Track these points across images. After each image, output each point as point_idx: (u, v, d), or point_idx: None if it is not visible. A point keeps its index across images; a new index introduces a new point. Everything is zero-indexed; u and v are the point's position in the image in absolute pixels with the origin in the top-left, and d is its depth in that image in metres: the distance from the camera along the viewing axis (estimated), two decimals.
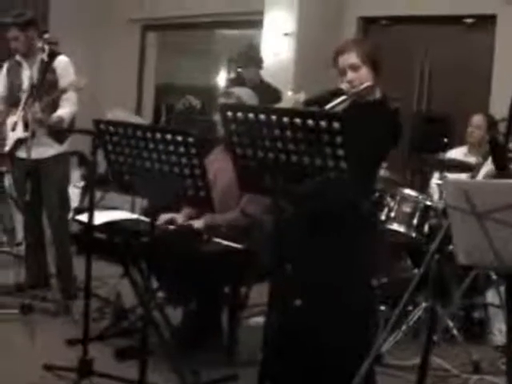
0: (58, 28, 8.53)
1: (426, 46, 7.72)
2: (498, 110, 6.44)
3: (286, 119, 2.78)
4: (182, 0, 9.36)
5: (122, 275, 4.56)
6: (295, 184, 2.89)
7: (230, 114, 2.95)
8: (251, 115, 2.89)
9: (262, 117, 2.85)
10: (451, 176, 5.29)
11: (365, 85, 3.45)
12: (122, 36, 10.15)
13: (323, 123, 2.69)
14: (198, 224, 4.15)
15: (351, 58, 3.47)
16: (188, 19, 9.60)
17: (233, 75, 8.56)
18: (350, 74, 3.48)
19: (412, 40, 7.80)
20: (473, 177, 3.03)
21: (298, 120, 2.75)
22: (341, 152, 2.71)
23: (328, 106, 3.32)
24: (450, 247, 2.85)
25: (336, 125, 2.66)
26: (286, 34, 7.88)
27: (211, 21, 9.56)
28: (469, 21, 7.51)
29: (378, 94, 3.59)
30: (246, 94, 4.50)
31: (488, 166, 4.87)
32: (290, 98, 5.78)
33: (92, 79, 9.10)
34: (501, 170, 2.83)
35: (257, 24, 8.39)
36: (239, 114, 2.91)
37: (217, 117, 4.40)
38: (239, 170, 3.09)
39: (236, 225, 4.24)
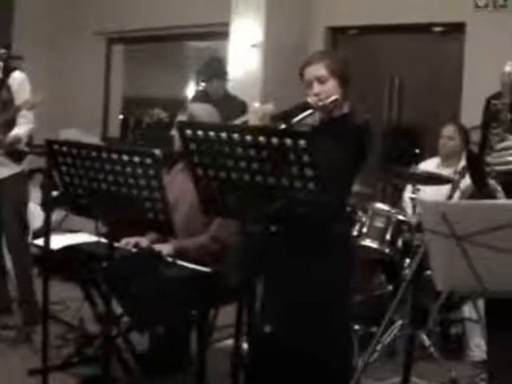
0: (21, 41, 8.35)
1: (396, 55, 7.62)
2: (469, 118, 6.35)
3: (249, 137, 2.61)
4: (148, 12, 9.21)
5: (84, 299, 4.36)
6: (261, 206, 2.71)
7: (189, 132, 2.77)
8: (212, 133, 2.71)
9: (224, 135, 2.68)
10: (424, 189, 5.16)
11: (332, 98, 3.32)
12: (87, 49, 10.01)
13: (288, 141, 2.52)
14: (166, 249, 3.97)
15: (318, 70, 3.34)
16: (154, 31, 9.46)
17: (199, 88, 8.43)
18: (317, 87, 3.35)
19: (381, 50, 7.69)
20: (450, 196, 2.89)
21: (261, 138, 2.57)
22: (309, 172, 2.54)
23: (294, 121, 3.18)
24: (428, 272, 2.71)
25: (302, 143, 2.49)
26: (253, 45, 7.75)
27: (178, 33, 9.43)
28: (438, 29, 7.42)
29: (345, 108, 3.45)
30: (201, 111, 4.29)
31: (465, 182, 4.76)
32: (256, 109, 5.64)
33: (58, 93, 8.97)
34: (479, 187, 2.68)
35: (224, 35, 8.26)
36: (199, 133, 2.74)
37: (173, 132, 4.24)
38: (201, 191, 2.91)
39: (206, 250, 4.07)
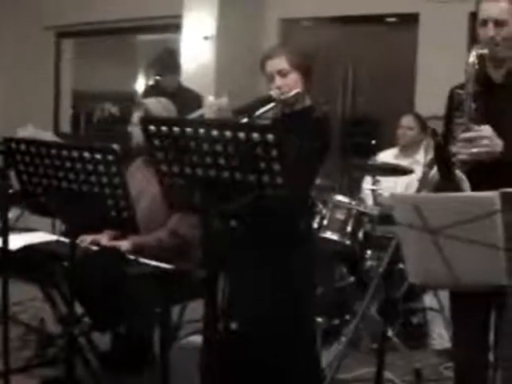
0: None
1: (350, 46, 7.62)
2: (423, 108, 6.38)
3: (215, 132, 2.55)
4: (98, 6, 9.07)
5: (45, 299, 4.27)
6: (227, 201, 2.66)
7: (152, 128, 2.71)
8: (176, 129, 2.65)
9: (189, 130, 2.62)
10: (384, 180, 5.17)
11: (294, 91, 3.29)
12: (37, 43, 9.85)
13: (256, 136, 2.48)
14: (124, 245, 3.90)
15: (280, 63, 3.30)
16: (105, 25, 9.33)
17: (151, 82, 8.33)
18: (279, 80, 3.31)
19: (335, 41, 7.67)
20: (419, 190, 2.88)
21: (228, 133, 2.52)
22: (276, 166, 2.49)
23: (257, 114, 3.14)
24: (400, 266, 2.71)
25: (270, 137, 2.45)
26: (205, 38, 7.69)
27: (128, 26, 9.31)
28: (392, 20, 7.44)
29: (307, 101, 3.42)
30: (157, 105, 4.21)
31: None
32: (211, 103, 5.60)
33: (7, 88, 8.81)
34: (446, 178, 2.68)
35: (176, 28, 8.18)
36: (163, 128, 2.68)
37: (131, 128, 4.16)
38: (166, 188, 2.85)
39: (165, 245, 4.00)
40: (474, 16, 6.59)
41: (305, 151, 3.06)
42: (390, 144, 5.97)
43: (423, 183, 2.87)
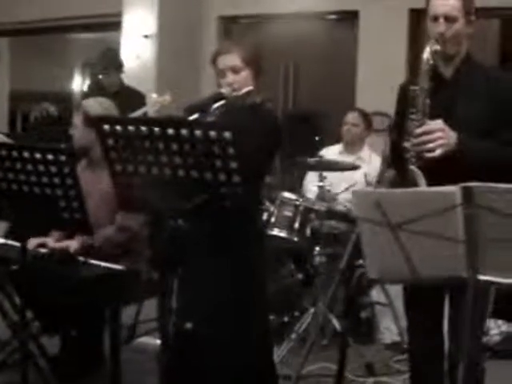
0: None
1: (290, 44, 7.64)
2: (365, 105, 6.44)
3: (171, 131, 2.53)
4: (35, 4, 8.91)
5: None
6: (183, 200, 2.64)
7: (107, 127, 2.67)
8: (131, 128, 2.62)
9: (144, 129, 2.59)
10: (329, 176, 5.20)
11: (246, 89, 3.27)
12: None
13: (212, 134, 2.47)
14: (73, 246, 3.84)
15: (233, 59, 3.28)
16: (42, 23, 9.17)
17: (89, 81, 8.21)
18: (231, 77, 3.29)
19: (275, 38, 7.69)
20: (376, 187, 2.91)
21: (184, 131, 2.51)
22: (233, 165, 2.49)
23: (208, 111, 3.12)
24: (360, 261, 2.72)
25: (227, 135, 2.44)
26: (146, 36, 7.64)
27: (66, 24, 9.18)
28: (332, 17, 7.49)
29: (257, 99, 3.41)
30: (96, 106, 4.15)
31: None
32: (155, 100, 5.57)
33: None
34: (403, 175, 2.71)
35: (114, 26, 8.10)
36: (118, 128, 2.65)
37: (73, 130, 4.11)
38: (119, 187, 2.82)
39: (113, 241, 3.96)
40: (413, 13, 6.76)
41: (259, 148, 3.05)
42: (334, 140, 5.99)
43: (380, 180, 2.90)
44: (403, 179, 2.74)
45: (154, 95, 5.58)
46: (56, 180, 2.92)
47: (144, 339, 4.37)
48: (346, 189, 5.06)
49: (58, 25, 9.19)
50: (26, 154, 2.92)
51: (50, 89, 10.47)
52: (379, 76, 6.79)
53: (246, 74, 3.29)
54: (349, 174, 5.28)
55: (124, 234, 3.97)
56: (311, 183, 5.58)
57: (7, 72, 10.12)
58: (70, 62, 11.06)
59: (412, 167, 2.77)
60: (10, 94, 10.19)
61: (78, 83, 11.10)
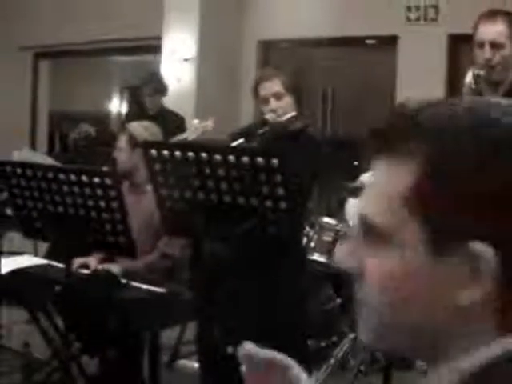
0: None
1: (329, 68, 7.66)
2: None
3: (218, 157, 2.56)
4: (75, 27, 9.04)
5: (30, 321, 4.20)
6: (229, 226, 2.66)
7: (154, 152, 2.71)
8: (178, 153, 2.65)
9: (191, 154, 2.62)
10: None
11: (289, 115, 3.30)
12: (13, 64, 9.81)
13: (260, 160, 2.48)
14: (115, 268, 3.87)
15: (275, 86, 3.31)
16: (82, 46, 9.30)
17: (129, 103, 8.27)
18: (274, 103, 3.31)
19: (314, 63, 7.72)
20: None
21: (231, 157, 2.53)
22: (280, 191, 2.50)
23: (253, 138, 3.15)
24: None
25: (275, 162, 2.46)
26: (186, 60, 7.70)
27: (105, 47, 9.29)
28: (371, 42, 7.50)
29: (298, 124, 3.43)
30: (141, 129, 4.16)
31: None
32: (196, 126, 5.59)
33: None
34: None
35: (153, 49, 8.18)
36: (165, 152, 2.68)
37: (117, 153, 4.14)
38: (165, 212, 2.85)
39: (155, 267, 3.98)
40: (452, 37, 6.73)
41: (305, 174, 3.07)
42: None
43: None
44: None
45: (196, 121, 5.60)
46: (102, 203, 2.95)
47: (185, 362, 4.38)
48: None
49: (98, 47, 9.32)
50: (72, 177, 2.95)
51: (89, 110, 10.59)
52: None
53: (288, 100, 3.31)
54: None
55: (166, 261, 4.00)
56: (353, 209, 5.56)
57: (47, 93, 10.25)
58: (108, 84, 11.20)
59: None
60: (49, 114, 10.32)
61: (116, 105, 11.22)
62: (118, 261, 3.96)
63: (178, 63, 7.74)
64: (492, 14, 2.96)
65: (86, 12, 9.00)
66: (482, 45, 2.93)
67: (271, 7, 7.86)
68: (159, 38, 7.89)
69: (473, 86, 2.91)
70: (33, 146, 10.01)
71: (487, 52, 2.91)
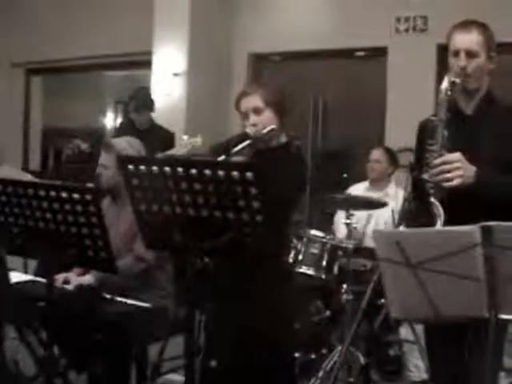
0: None
1: (319, 80, 7.68)
2: (394, 140, 6.45)
3: (194, 171, 2.56)
4: (66, 43, 9.07)
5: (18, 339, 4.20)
6: (207, 240, 2.67)
7: (131, 167, 2.71)
8: (155, 168, 2.66)
9: (168, 169, 2.63)
10: (357, 213, 5.19)
11: (268, 128, 3.30)
12: (5, 80, 9.83)
13: (235, 174, 2.49)
14: (88, 280, 3.88)
15: (254, 101, 3.33)
16: (73, 62, 9.33)
17: (121, 119, 8.28)
18: (253, 118, 3.33)
19: (304, 76, 7.74)
20: (399, 223, 2.89)
21: (207, 171, 2.53)
22: (256, 204, 2.51)
23: (233, 152, 3.16)
24: (382, 300, 2.71)
25: (249, 175, 2.46)
26: (175, 74, 7.72)
27: (97, 63, 9.32)
28: (360, 54, 7.52)
29: (282, 138, 3.45)
30: (125, 145, 4.18)
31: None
32: (186, 142, 5.60)
33: None
34: (426, 207, 2.70)
35: (144, 64, 8.20)
36: (142, 168, 2.68)
37: (100, 169, 4.15)
38: (143, 226, 2.85)
39: (130, 271, 3.97)
40: (441, 48, 6.76)
41: (284, 188, 3.08)
42: (362, 177, 6.00)
43: (402, 216, 2.91)
44: (424, 212, 2.73)
45: (185, 136, 5.60)
46: (81, 219, 2.95)
47: (170, 376, 4.37)
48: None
49: (90, 63, 9.35)
50: (52, 193, 2.96)
51: (82, 126, 10.61)
52: (408, 112, 6.77)
53: (268, 114, 3.33)
54: (376, 210, 5.28)
55: (140, 263, 3.99)
56: (341, 220, 5.58)
57: (40, 109, 10.28)
58: (101, 100, 11.22)
59: (432, 199, 2.77)
60: (42, 131, 10.34)
61: (110, 120, 11.25)
62: (91, 272, 3.96)
63: (169, 78, 7.75)
64: (467, 24, 2.99)
65: (77, 28, 9.03)
66: (457, 53, 2.96)
67: (261, 20, 7.89)
68: (149, 53, 7.91)
69: (449, 93, 2.92)
70: (25, 163, 10.04)
71: (462, 60, 2.93)
